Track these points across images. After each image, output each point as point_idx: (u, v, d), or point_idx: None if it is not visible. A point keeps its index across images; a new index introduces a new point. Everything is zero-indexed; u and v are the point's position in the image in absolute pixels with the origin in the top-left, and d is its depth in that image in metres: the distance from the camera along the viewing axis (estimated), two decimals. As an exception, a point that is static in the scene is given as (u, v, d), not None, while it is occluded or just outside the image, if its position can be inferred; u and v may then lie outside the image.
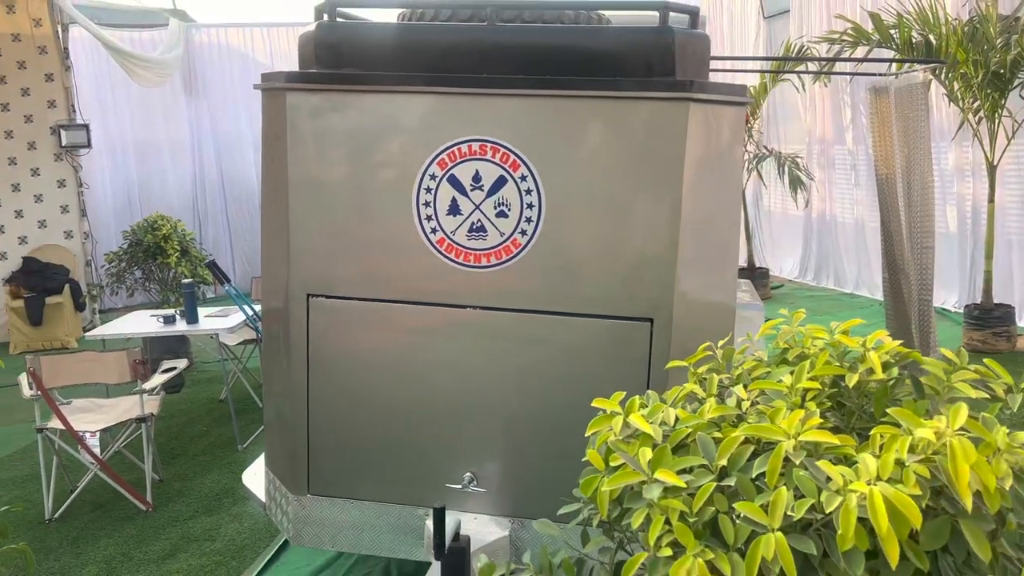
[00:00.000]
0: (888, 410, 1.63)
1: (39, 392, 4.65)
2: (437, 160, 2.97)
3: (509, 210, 2.96)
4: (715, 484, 1.63)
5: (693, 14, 3.04)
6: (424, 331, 3.10)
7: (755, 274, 9.75)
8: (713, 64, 4.49)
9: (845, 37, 6.52)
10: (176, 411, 6.52)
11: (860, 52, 6.67)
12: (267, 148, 3.24)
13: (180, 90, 10.91)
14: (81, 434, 4.71)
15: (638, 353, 2.97)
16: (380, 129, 3.01)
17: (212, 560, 4.23)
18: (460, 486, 3.11)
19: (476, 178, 2.96)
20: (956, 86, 6.93)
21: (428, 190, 2.99)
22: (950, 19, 6.74)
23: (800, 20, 9.59)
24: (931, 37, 6.62)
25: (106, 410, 5.05)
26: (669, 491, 1.67)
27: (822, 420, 1.77)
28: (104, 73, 10.41)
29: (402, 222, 3.02)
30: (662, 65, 2.87)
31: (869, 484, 1.47)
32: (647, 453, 1.69)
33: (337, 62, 3.06)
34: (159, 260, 7.75)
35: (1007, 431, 1.63)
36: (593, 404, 1.90)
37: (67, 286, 8.96)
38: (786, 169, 8.93)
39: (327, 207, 3.09)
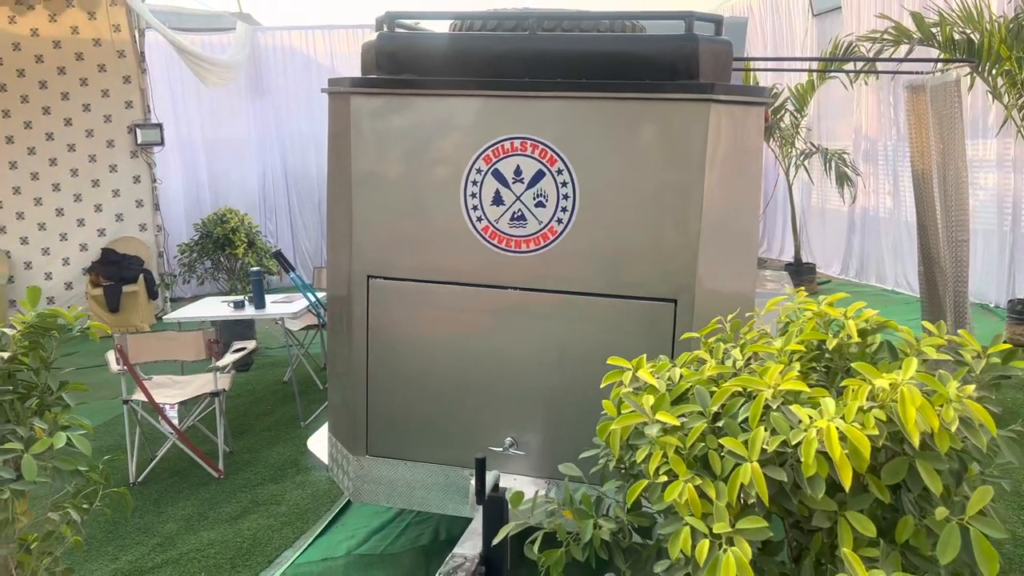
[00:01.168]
0: (853, 365, 1.93)
1: (125, 367, 5.14)
2: (483, 156, 3.32)
3: (547, 201, 3.29)
4: (706, 425, 1.95)
5: (717, 22, 3.33)
6: (470, 310, 3.45)
7: (802, 269, 9.90)
8: (756, 63, 4.73)
9: (886, 36, 6.68)
10: (243, 392, 7.00)
11: (903, 51, 6.83)
12: (332, 146, 3.62)
13: (246, 91, 11.47)
14: (161, 406, 5.19)
15: (663, 330, 3.27)
16: (433, 128, 3.37)
17: (278, 521, 4.65)
18: (501, 449, 3.45)
19: (517, 172, 3.30)
20: (1000, 82, 7.03)
21: (475, 183, 3.34)
22: (994, 17, 6.85)
23: (852, 17, 9.70)
24: (973, 35, 6.74)
25: (183, 386, 5.52)
26: (668, 431, 1.99)
27: (805, 376, 2.07)
28: (176, 75, 11.00)
29: (451, 211, 3.37)
30: (686, 69, 3.17)
31: (829, 422, 1.77)
32: (650, 400, 2.01)
33: (395, 68, 3.43)
34: (227, 251, 8.25)
35: (957, 384, 1.91)
36: (608, 362, 2.22)
37: (141, 276, 9.56)
38: (833, 165, 9.08)
39: (385, 198, 3.46)
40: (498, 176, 3.32)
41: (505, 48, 3.35)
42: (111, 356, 5.29)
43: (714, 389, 2.09)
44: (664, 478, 1.89)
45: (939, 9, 6.58)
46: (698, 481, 1.86)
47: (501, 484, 3.25)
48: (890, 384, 1.82)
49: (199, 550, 4.34)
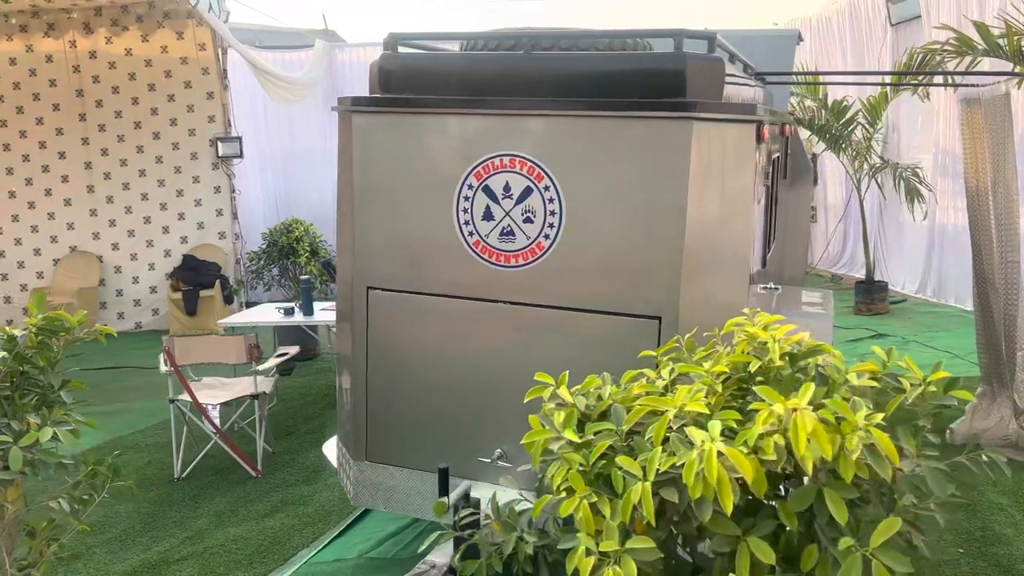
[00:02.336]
0: (755, 388, 1.91)
1: (172, 368, 5.43)
2: (474, 172, 3.40)
3: (534, 217, 3.34)
4: (609, 443, 1.96)
5: (710, 39, 3.32)
6: (463, 322, 3.53)
7: (872, 287, 9.57)
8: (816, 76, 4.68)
9: (948, 47, 6.43)
10: (296, 395, 7.27)
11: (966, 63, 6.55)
12: (339, 161, 3.77)
13: (323, 105, 11.89)
14: (205, 406, 5.46)
15: (648, 347, 3.26)
16: (428, 145, 3.47)
17: (301, 521, 4.82)
18: (490, 460, 3.51)
19: (507, 188, 3.37)
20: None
21: (466, 198, 3.42)
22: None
23: (930, 27, 9.34)
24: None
25: (228, 387, 5.79)
26: (577, 448, 2.02)
27: (735, 399, 2.07)
28: (258, 91, 11.51)
29: (445, 226, 3.46)
30: (673, 87, 3.17)
31: (711, 444, 1.76)
32: (560, 416, 2.04)
33: (396, 87, 3.55)
34: (291, 259, 8.59)
35: (868, 411, 1.87)
36: (536, 377, 2.26)
37: (218, 281, 10.03)
38: (902, 181, 8.76)
39: (384, 212, 3.58)
40: (488, 192, 3.39)
41: (499, 68, 3.42)
42: (162, 357, 5.60)
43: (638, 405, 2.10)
44: (563, 494, 1.92)
45: (1006, 18, 6.29)
46: (594, 498, 1.88)
47: (496, 496, 3.31)
48: (786, 409, 1.80)
49: (223, 545, 4.55)
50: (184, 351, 5.48)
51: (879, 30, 10.37)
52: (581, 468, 1.93)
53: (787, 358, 2.13)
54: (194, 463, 5.59)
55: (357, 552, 4.40)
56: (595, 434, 2.03)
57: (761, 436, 1.83)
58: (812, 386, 1.85)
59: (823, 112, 9.28)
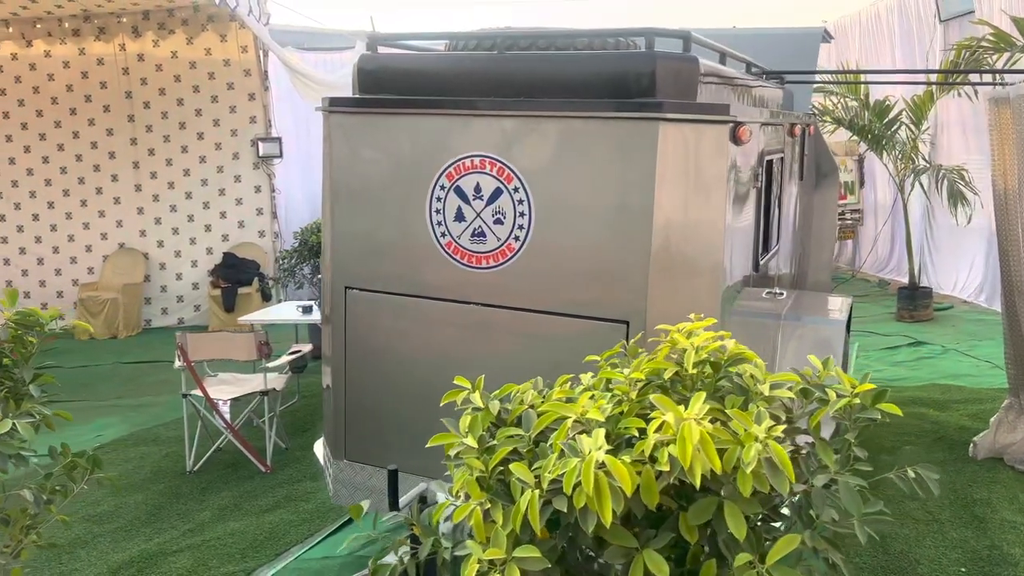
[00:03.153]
0: (651, 398, 1.85)
1: (185, 364, 5.56)
2: (446, 173, 3.39)
3: (504, 218, 3.32)
4: (510, 449, 1.93)
5: (684, 38, 3.24)
6: (437, 323, 3.52)
7: (916, 293, 9.25)
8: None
9: (984, 43, 6.17)
10: (317, 391, 7.36)
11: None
12: (324, 162, 3.80)
13: (364, 106, 12.02)
14: (216, 401, 5.57)
15: (616, 352, 3.21)
16: (401, 146, 3.48)
17: (300, 517, 4.88)
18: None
19: (477, 189, 3.35)
20: None
21: (439, 199, 3.42)
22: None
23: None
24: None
25: (242, 383, 5.90)
26: (487, 452, 1.99)
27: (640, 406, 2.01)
28: (297, 92, 11.71)
29: (418, 227, 3.46)
30: (643, 87, 3.11)
31: (596, 452, 1.72)
32: (466, 421, 2.01)
33: (373, 88, 3.57)
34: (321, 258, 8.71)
35: (770, 424, 1.80)
36: (455, 381, 2.23)
37: (256, 279, 10.23)
38: (945, 183, 8.44)
39: (360, 212, 3.59)
40: (460, 193, 3.38)
41: (472, 68, 3.41)
42: (178, 354, 5.73)
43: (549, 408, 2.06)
44: (461, 499, 1.90)
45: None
46: (488, 505, 1.85)
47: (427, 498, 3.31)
48: (676, 419, 1.74)
49: (220, 539, 4.64)
50: (196, 347, 5.60)
51: (928, 26, 10.02)
52: (480, 474, 1.90)
53: (708, 366, 2.06)
54: (206, 457, 5.70)
55: (348, 550, 4.43)
56: (507, 438, 2.00)
57: (657, 446, 1.78)
58: (703, 395, 1.79)
59: (865, 112, 9.00)
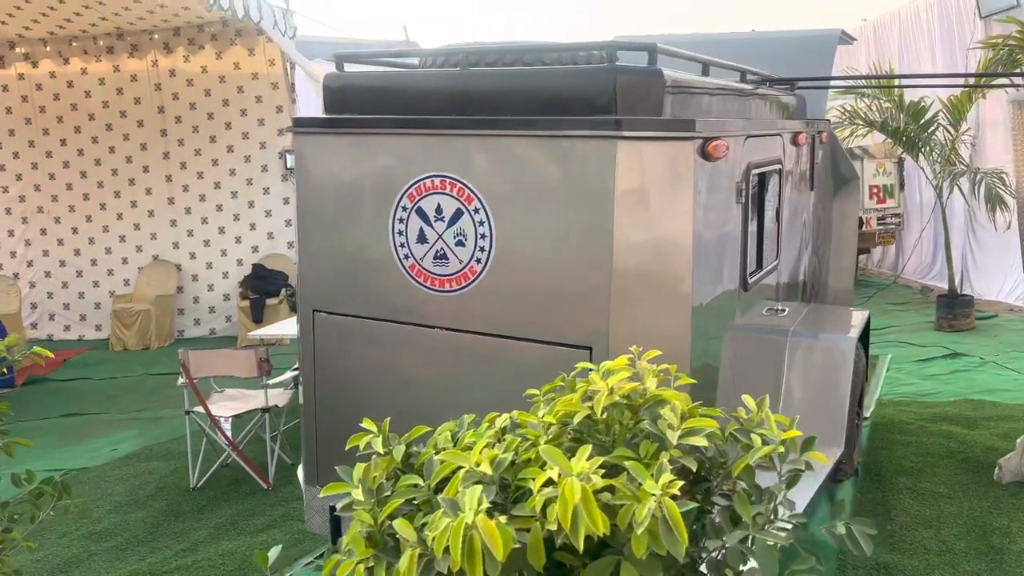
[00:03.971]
0: (540, 449, 1.73)
1: (187, 381, 5.57)
2: (407, 193, 3.30)
3: (466, 240, 3.21)
4: (402, 501, 1.82)
5: (650, 50, 3.09)
6: (402, 348, 3.43)
7: (955, 302, 8.86)
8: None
9: (1011, 42, 5.86)
10: (332, 405, 7.35)
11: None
12: (296, 181, 3.75)
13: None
14: (218, 418, 5.57)
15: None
16: (365, 166, 3.40)
17: (294, 537, 4.83)
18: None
19: (438, 210, 3.25)
20: None
21: (401, 220, 3.33)
22: None
23: (1026, 19, 8.58)
24: None
25: (247, 399, 5.90)
26: (381, 503, 1.88)
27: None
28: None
29: (382, 249, 3.38)
30: (603, 104, 2.98)
31: (470, 513, 1.60)
32: (359, 470, 1.91)
33: (340, 107, 3.50)
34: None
35: (669, 479, 1.66)
36: (362, 424, 2.13)
37: (283, 290, 10.30)
38: (982, 187, 8.06)
39: (327, 234, 3.53)
40: (421, 214, 3.29)
41: (434, 86, 3.32)
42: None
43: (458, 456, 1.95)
44: (346, 555, 1.80)
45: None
46: (371, 563, 1.75)
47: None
48: (559, 476, 1.62)
49: (209, 560, 4.61)
50: (199, 364, 5.61)
51: (968, 22, 9.61)
52: (370, 528, 1.80)
53: (624, 409, 1.93)
54: (209, 473, 5.71)
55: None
56: (406, 487, 1.89)
57: (547, 503, 1.65)
58: (589, 448, 1.65)
59: (899, 114, 8.66)
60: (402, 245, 3.34)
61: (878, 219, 10.79)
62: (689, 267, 3.05)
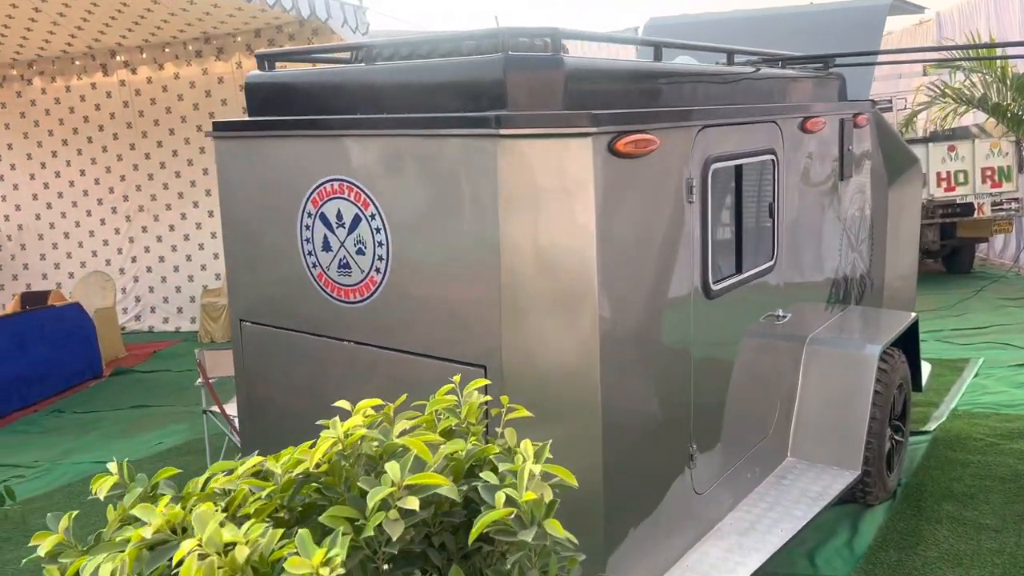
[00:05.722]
0: (198, 510, 1.50)
1: (204, 381, 5.65)
2: (311, 199, 3.12)
3: (365, 248, 3.01)
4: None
5: (552, 37, 2.77)
6: (316, 361, 3.27)
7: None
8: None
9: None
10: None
11: None
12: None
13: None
14: (231, 417, 5.61)
15: (476, 399, 2.81)
16: (274, 170, 3.25)
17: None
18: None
19: (339, 216, 3.06)
20: None
21: (307, 227, 3.16)
22: None
23: None
24: None
25: (267, 399, 5.92)
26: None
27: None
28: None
29: (293, 257, 3.23)
30: (492, 98, 2.70)
31: None
32: (65, 519, 1.75)
33: (261, 109, 3.37)
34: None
35: (334, 552, 1.41)
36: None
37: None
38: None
39: (246, 243, 3.41)
40: (324, 220, 3.11)
41: (339, 83, 3.12)
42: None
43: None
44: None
45: None
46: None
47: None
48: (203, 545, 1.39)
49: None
50: (215, 364, 5.67)
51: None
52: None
53: (360, 459, 1.67)
54: (226, 472, 5.76)
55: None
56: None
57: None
58: (217, 514, 1.41)
59: (1003, 89, 7.74)
60: (310, 253, 3.17)
61: (993, 205, 9.73)
62: (593, 278, 2.71)
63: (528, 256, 2.69)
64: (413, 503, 1.53)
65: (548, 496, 1.61)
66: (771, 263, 3.91)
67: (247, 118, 3.38)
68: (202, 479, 1.85)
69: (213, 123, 3.44)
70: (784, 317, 4.01)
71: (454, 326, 2.84)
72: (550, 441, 1.91)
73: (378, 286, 3.00)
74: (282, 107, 3.27)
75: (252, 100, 3.37)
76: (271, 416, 3.46)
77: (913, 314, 4.93)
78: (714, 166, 3.31)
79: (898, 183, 5.48)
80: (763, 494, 3.95)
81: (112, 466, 1.92)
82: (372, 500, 1.52)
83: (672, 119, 3.03)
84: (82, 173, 11.81)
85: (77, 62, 11.48)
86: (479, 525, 1.55)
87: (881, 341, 4.38)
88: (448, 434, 2.07)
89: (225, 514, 1.65)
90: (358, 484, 1.63)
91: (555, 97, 2.72)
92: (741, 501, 3.86)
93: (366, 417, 2.02)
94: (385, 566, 1.57)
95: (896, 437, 4.76)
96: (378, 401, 1.91)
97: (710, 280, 3.37)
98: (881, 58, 6.25)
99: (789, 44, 4.82)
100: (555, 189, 2.67)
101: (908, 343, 4.87)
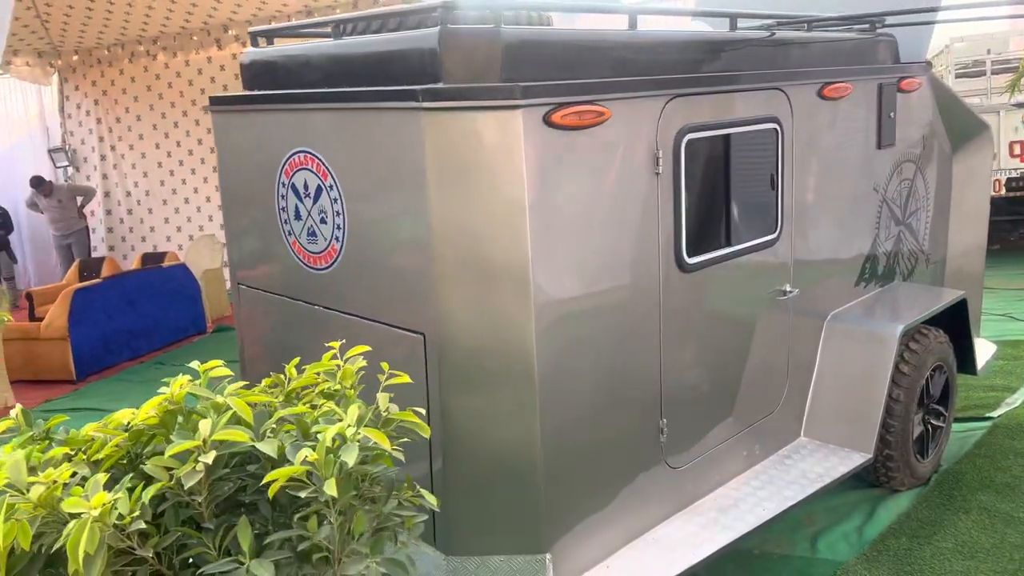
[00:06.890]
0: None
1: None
2: (284, 169, 3.28)
3: (327, 218, 3.14)
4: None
5: (491, 9, 2.78)
6: (295, 322, 3.46)
7: None
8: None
9: None
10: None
11: None
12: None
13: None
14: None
15: (418, 366, 2.91)
16: (257, 142, 3.42)
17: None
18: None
19: (306, 187, 3.20)
20: None
21: (283, 196, 3.33)
22: None
23: None
24: None
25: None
26: None
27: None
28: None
29: (273, 225, 3.40)
30: (428, 70, 2.75)
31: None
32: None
33: (253, 84, 3.55)
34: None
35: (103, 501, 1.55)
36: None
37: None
38: None
39: (240, 211, 3.61)
40: (295, 190, 3.26)
41: (311, 57, 3.25)
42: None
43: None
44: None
45: None
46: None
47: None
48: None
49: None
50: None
51: None
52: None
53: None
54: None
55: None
56: None
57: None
58: (33, 457, 1.57)
59: None
60: (286, 221, 3.33)
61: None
62: (526, 251, 2.73)
63: (460, 229, 2.74)
64: (209, 457, 1.65)
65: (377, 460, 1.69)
66: (773, 236, 3.77)
67: (242, 93, 3.57)
68: (90, 427, 2.03)
69: (209, 98, 3.65)
70: (791, 292, 3.87)
71: (398, 295, 2.94)
72: (391, 395, 2.00)
73: (338, 254, 3.13)
74: (266, 82, 3.44)
75: (244, 76, 3.55)
76: (261, 375, 3.66)
77: (959, 292, 4.61)
78: (689, 136, 3.22)
79: (963, 152, 5.10)
80: (759, 472, 3.86)
81: (15, 411, 2.12)
82: (168, 452, 1.65)
83: (627, 89, 2.97)
84: (199, 142, 12.55)
85: (195, 37, 12.15)
86: (269, 478, 1.65)
87: (905, 320, 4.14)
88: (329, 397, 2.17)
89: (84, 457, 1.83)
90: (171, 437, 1.76)
91: (493, 69, 2.73)
92: (734, 478, 3.78)
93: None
94: (206, 514, 1.71)
95: (933, 422, 4.50)
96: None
97: (683, 253, 3.30)
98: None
99: (838, 5, 4.56)
100: (485, 163, 2.70)
101: (954, 322, 4.58)
